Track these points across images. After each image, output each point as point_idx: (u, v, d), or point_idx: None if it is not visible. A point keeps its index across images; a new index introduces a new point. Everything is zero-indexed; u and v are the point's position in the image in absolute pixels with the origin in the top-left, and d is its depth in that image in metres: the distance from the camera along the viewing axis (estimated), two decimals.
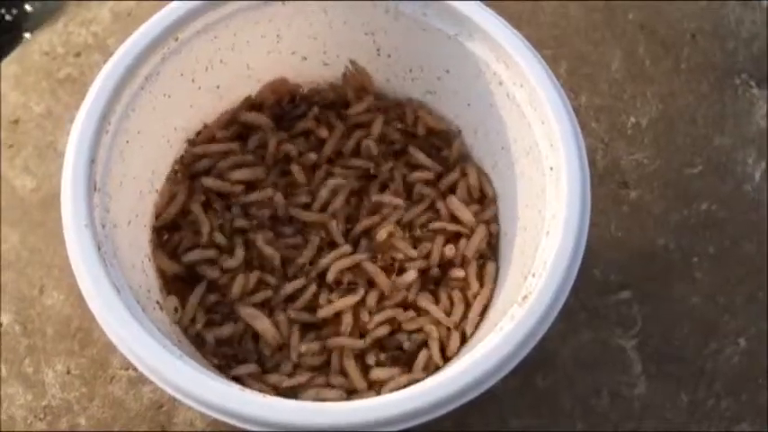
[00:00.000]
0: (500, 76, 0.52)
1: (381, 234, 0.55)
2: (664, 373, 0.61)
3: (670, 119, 0.70)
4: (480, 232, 0.56)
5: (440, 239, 0.56)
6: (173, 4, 0.50)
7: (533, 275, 0.46)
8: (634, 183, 0.67)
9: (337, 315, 0.53)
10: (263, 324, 0.52)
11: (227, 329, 0.52)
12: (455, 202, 0.56)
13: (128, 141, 0.49)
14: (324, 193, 0.56)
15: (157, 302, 0.50)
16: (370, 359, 0.52)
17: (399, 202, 0.57)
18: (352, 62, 0.58)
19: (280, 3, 0.54)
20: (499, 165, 0.56)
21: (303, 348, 0.52)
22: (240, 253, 0.54)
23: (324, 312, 0.53)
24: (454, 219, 0.57)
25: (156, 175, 0.55)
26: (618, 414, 0.59)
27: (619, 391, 0.60)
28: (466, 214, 0.56)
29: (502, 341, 0.43)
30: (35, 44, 0.74)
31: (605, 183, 0.66)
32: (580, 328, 0.61)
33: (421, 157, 0.59)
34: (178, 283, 0.55)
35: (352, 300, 0.53)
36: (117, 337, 0.42)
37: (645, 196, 0.66)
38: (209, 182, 0.56)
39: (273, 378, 0.50)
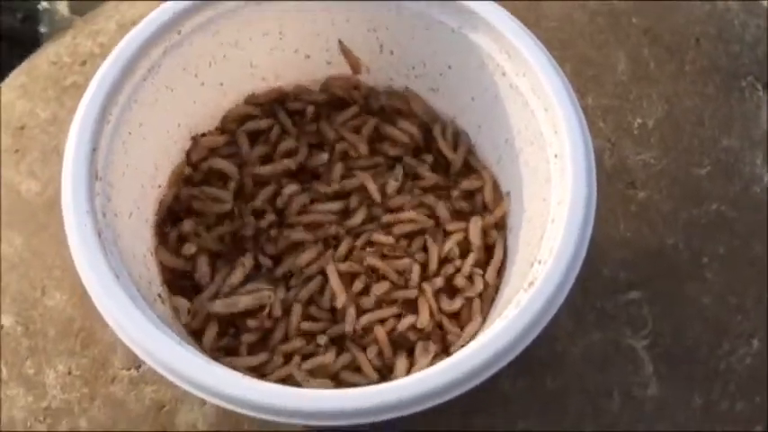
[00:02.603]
0: (503, 67, 0.51)
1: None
2: (676, 373, 0.59)
3: (676, 120, 0.69)
4: (498, 255, 0.56)
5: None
6: None
7: (539, 262, 0.45)
8: (642, 183, 0.66)
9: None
10: (246, 300, 0.51)
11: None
12: (474, 230, 0.56)
13: (130, 133, 0.49)
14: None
15: (159, 296, 0.50)
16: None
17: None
18: (340, 42, 0.58)
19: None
20: (503, 159, 0.56)
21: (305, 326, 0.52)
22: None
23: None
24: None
25: (159, 171, 0.54)
26: (630, 415, 0.58)
27: (630, 391, 0.59)
28: (477, 240, 0.56)
29: (507, 326, 0.42)
30: (43, 55, 0.75)
31: (613, 182, 0.66)
32: (589, 328, 0.60)
33: (426, 172, 0.59)
34: (180, 280, 0.54)
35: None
36: (114, 322, 0.42)
37: (653, 196, 0.65)
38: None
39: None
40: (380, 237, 0.55)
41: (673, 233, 0.64)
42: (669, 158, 0.67)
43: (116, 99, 0.48)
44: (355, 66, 0.59)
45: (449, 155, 0.59)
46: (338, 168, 0.58)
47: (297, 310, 0.52)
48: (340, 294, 0.53)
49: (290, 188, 0.56)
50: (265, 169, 0.57)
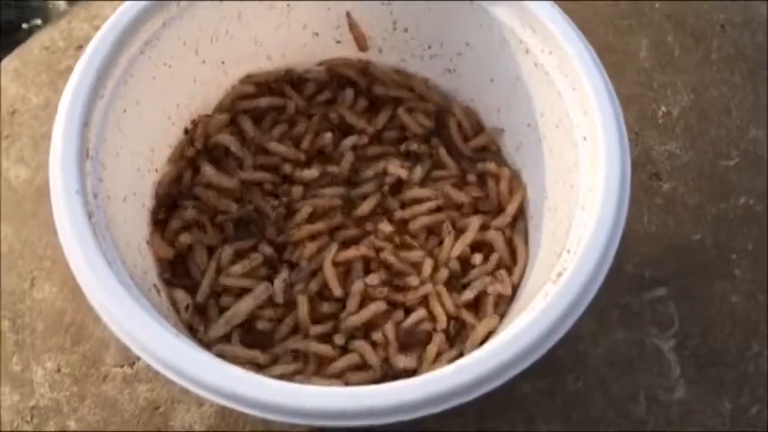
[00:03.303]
0: (526, 44, 0.48)
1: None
2: (704, 376, 0.56)
3: (702, 109, 0.66)
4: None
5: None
6: None
7: (568, 252, 0.42)
8: (667, 174, 0.63)
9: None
10: (246, 307, 0.48)
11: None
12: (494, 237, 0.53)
13: (125, 110, 0.46)
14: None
15: (154, 286, 0.46)
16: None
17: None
18: (348, 15, 0.54)
19: None
20: (524, 145, 0.52)
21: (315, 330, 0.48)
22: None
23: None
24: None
25: (155, 154, 0.51)
26: (655, 420, 0.55)
27: (656, 395, 0.55)
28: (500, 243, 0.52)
29: (535, 318, 0.39)
30: (36, 41, 0.72)
31: (636, 173, 0.60)
32: (613, 327, 0.57)
33: (448, 159, 0.55)
34: (179, 277, 0.50)
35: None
36: (105, 311, 0.38)
37: (678, 188, 0.63)
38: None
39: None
40: (386, 227, 0.51)
41: (699, 228, 0.61)
42: (695, 149, 0.64)
43: (110, 72, 0.44)
44: (361, 41, 0.55)
45: (462, 147, 0.55)
46: (349, 156, 0.55)
47: (303, 301, 0.49)
48: (335, 287, 0.50)
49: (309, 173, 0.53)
50: (280, 148, 0.54)
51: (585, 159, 0.44)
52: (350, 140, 0.55)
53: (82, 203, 0.40)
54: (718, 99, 0.67)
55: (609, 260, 0.41)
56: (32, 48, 0.71)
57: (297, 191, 0.53)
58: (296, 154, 0.54)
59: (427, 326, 0.49)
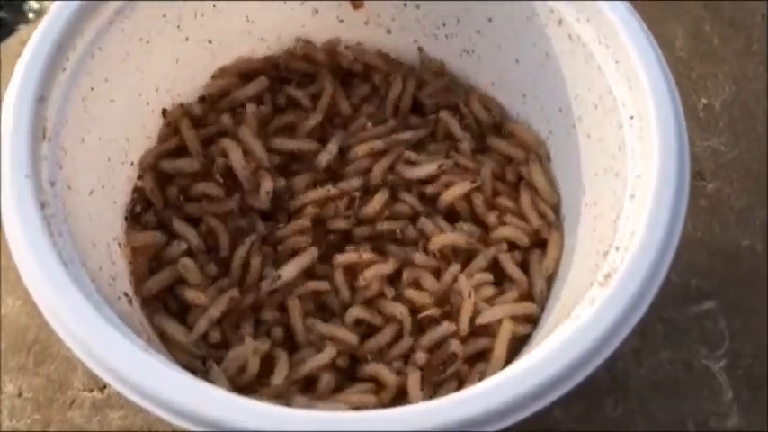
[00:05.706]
0: (560, 13, 0.43)
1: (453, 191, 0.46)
2: (760, 401, 0.51)
3: (745, 103, 0.62)
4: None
5: None
6: None
7: (617, 249, 0.36)
8: (711, 173, 0.58)
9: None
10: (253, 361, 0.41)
11: None
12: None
13: (92, 88, 0.40)
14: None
15: (125, 294, 0.40)
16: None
17: None
18: None
19: None
20: (555, 133, 0.47)
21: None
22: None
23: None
24: None
25: (131, 144, 0.45)
26: None
27: (706, 422, 0.50)
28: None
29: (581, 329, 0.32)
30: (16, 37, 0.68)
31: None
32: (657, 344, 0.52)
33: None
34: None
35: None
36: (57, 319, 0.31)
37: (724, 189, 0.58)
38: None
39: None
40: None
41: (748, 233, 0.57)
42: (741, 146, 0.60)
43: (74, 42, 0.39)
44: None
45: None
46: (363, 162, 0.49)
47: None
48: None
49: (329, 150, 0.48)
50: (290, 144, 0.48)
51: (633, 141, 0.38)
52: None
53: (33, 189, 0.34)
54: (762, 92, 0.63)
55: (669, 257, 0.35)
56: (11, 44, 0.67)
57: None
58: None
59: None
